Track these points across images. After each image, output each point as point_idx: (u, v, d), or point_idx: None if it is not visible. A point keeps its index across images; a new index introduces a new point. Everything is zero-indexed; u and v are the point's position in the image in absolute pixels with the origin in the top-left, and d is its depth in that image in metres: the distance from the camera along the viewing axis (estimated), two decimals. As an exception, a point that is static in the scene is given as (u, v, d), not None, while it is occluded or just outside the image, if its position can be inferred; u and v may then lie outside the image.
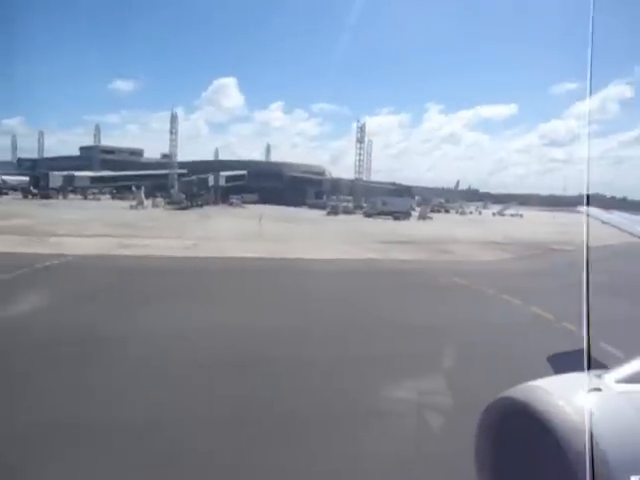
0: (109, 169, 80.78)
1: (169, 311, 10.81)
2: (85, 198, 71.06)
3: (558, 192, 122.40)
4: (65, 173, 70.45)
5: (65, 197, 69.71)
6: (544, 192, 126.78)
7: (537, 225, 54.35)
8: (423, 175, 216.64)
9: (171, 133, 77.57)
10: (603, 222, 6.62)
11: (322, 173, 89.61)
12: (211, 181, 67.84)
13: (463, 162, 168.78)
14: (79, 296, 12.00)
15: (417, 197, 75.03)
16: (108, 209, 49.26)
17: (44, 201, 60.57)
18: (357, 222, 48.22)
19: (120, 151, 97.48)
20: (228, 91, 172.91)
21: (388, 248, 26.55)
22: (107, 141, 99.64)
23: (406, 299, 13.57)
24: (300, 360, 7.89)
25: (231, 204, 67.73)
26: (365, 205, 67.27)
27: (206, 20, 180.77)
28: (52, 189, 68.38)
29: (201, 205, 61.16)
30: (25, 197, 64.12)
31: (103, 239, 23.99)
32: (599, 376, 1.72)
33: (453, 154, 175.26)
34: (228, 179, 72.44)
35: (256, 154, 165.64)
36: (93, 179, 73.82)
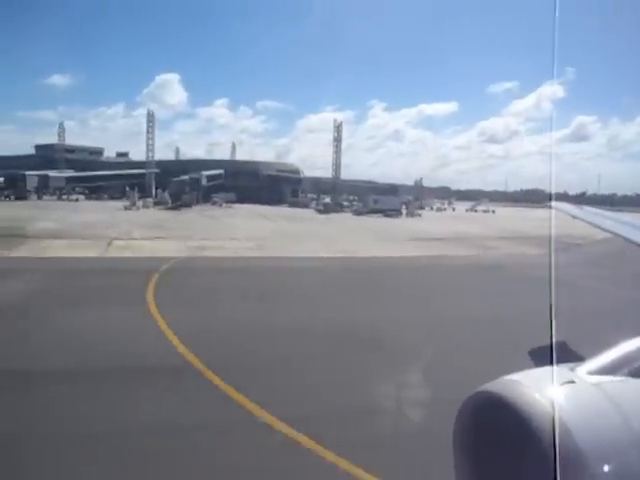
0: (69, 169, 77.92)
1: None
2: (59, 199, 68.94)
3: (500, 188, 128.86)
4: (39, 173, 67.97)
5: (40, 198, 67.35)
6: (487, 188, 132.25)
7: (517, 220, 57.45)
8: (368, 171, 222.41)
9: (148, 132, 76.30)
10: (574, 217, 6.64)
11: (297, 172, 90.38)
12: (203, 181, 67.34)
13: (407, 158, 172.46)
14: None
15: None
16: (104, 210, 48.22)
17: (20, 202, 58.56)
18: (358, 220, 49.70)
19: (80, 150, 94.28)
20: (171, 87, 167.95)
21: (427, 245, 28.19)
22: (42, 139, 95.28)
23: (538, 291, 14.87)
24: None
25: (214, 203, 67.45)
26: (347, 203, 68.81)
27: (147, 15, 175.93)
28: (27, 190, 65.94)
29: (189, 205, 60.73)
30: (-1, 199, 61.51)
31: (166, 242, 24.31)
32: (572, 369, 1.76)
33: (397, 150, 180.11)
34: (208, 179, 72.02)
35: (200, 152, 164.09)
36: (68, 179, 71.48)
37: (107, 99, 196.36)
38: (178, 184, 61.69)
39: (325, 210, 58.85)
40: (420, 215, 59.47)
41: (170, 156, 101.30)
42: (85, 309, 10.79)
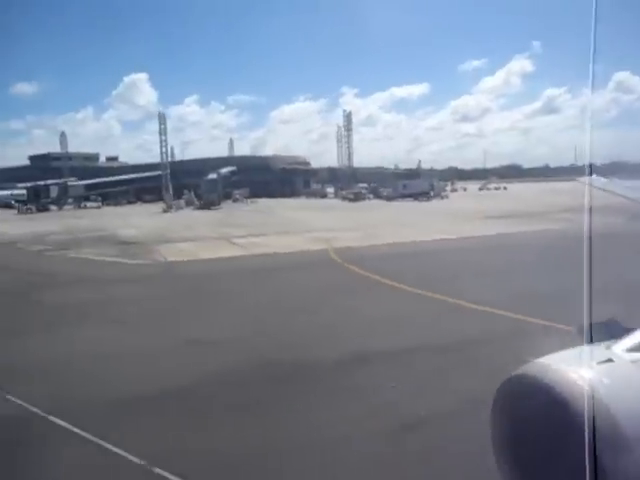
0: (71, 177, 76.82)
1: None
2: (79, 207, 68.49)
3: (478, 165, 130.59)
4: (58, 182, 67.42)
5: (61, 208, 66.85)
6: (465, 166, 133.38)
7: (544, 194, 58.87)
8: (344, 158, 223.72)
9: (160, 134, 75.63)
10: (605, 191, 6.52)
11: (307, 163, 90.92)
12: (228, 179, 67.41)
13: (381, 143, 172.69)
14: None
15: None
16: (145, 215, 48.28)
17: (46, 214, 58.19)
18: (399, 206, 50.51)
19: (76, 157, 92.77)
20: (140, 88, 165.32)
21: (509, 222, 29.19)
22: (12, 150, 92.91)
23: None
24: None
25: (235, 200, 67.66)
26: (364, 191, 69.57)
27: (111, 15, 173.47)
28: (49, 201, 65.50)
29: (218, 203, 60.92)
30: (21, 212, 60.77)
31: (280, 238, 24.98)
32: (609, 347, 1.70)
33: (371, 136, 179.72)
34: (228, 176, 72.12)
35: (175, 151, 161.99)
36: (86, 187, 70.96)
37: (75, 104, 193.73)
38: (208, 183, 61.59)
39: (355, 198, 59.56)
40: (448, 197, 60.66)
41: (143, 158, 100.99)
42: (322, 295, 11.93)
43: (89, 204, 70.93)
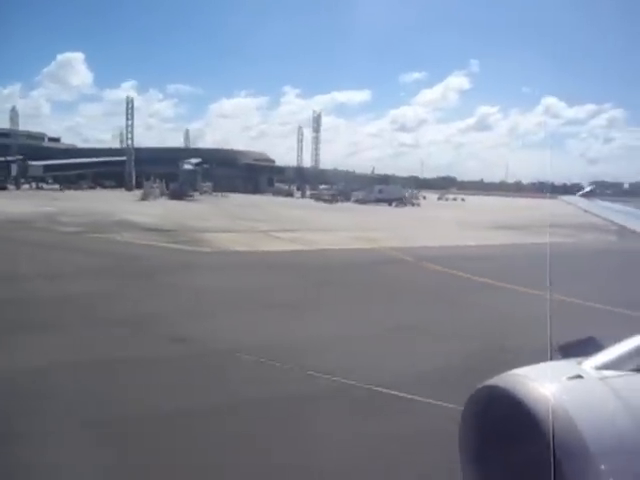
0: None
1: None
2: (38, 188, 65.11)
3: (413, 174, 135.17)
4: (18, 160, 63.65)
5: (18, 188, 63.34)
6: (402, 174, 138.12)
7: (512, 209, 62.36)
8: (283, 157, 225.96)
9: (127, 118, 73.41)
10: (585, 211, 6.51)
11: (272, 161, 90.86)
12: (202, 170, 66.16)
13: (320, 145, 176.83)
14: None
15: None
16: (122, 202, 46.75)
17: (5, 193, 55.04)
18: (380, 210, 51.89)
19: (20, 135, 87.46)
20: (74, 67, 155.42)
21: (512, 233, 31.12)
22: None
23: None
24: None
25: (203, 192, 66.49)
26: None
27: None
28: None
29: (191, 195, 59.88)
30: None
31: (316, 234, 25.40)
32: (579, 363, 1.73)
33: (310, 137, 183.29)
34: (197, 167, 70.88)
35: (106, 136, 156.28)
36: (46, 168, 67.39)
37: (2, 78, 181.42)
38: (186, 174, 60.37)
39: (331, 200, 60.49)
40: (419, 205, 62.93)
41: (75, 141, 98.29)
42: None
43: (46, 186, 67.60)
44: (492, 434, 1.68)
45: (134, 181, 71.60)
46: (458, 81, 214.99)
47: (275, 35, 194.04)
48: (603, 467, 1.41)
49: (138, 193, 58.51)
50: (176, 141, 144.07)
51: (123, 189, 69.93)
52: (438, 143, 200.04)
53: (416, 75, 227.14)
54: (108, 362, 7.10)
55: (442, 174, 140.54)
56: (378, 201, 59.77)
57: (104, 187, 72.56)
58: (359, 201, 61.86)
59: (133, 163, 72.45)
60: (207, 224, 27.80)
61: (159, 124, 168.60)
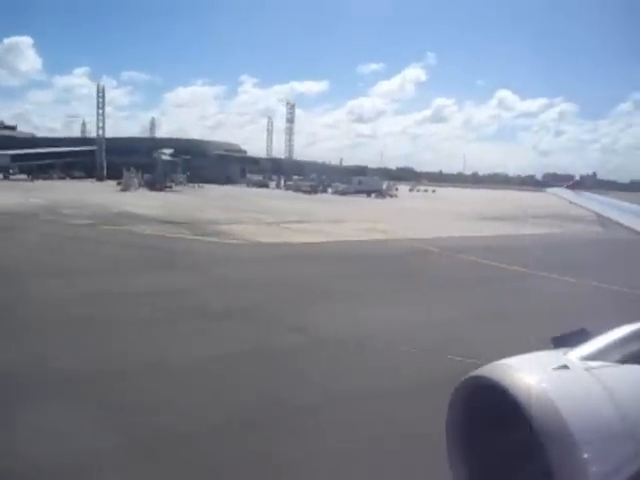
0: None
1: None
2: (5, 179, 62.62)
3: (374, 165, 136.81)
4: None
5: (-15, 178, 60.87)
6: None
7: (490, 200, 64.37)
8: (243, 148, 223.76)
9: (98, 107, 71.41)
10: (571, 202, 6.72)
11: (243, 152, 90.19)
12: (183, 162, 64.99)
13: (278, 135, 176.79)
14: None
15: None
16: (103, 192, 45.77)
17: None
18: (363, 201, 52.63)
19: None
20: (23, 52, 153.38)
21: (508, 224, 32.42)
22: None
23: None
24: None
25: (179, 183, 65.56)
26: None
27: None
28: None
29: (169, 186, 59.05)
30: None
31: (329, 225, 25.85)
32: (565, 353, 1.77)
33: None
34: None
35: (56, 124, 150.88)
36: (13, 157, 64.81)
37: None
38: (166, 164, 59.38)
39: (311, 191, 60.89)
40: (397, 196, 64.14)
41: (24, 129, 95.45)
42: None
43: (12, 177, 65.07)
44: (478, 422, 1.72)
45: (105, 172, 70.04)
46: (415, 73, 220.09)
47: (233, 23, 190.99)
48: (586, 455, 1.45)
49: (112, 184, 57.45)
50: (131, 130, 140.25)
51: (94, 180, 68.35)
52: (395, 134, 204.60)
53: (374, 66, 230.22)
54: (269, 351, 7.56)
55: (400, 165, 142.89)
56: (357, 192, 60.66)
57: (73, 177, 70.57)
58: (338, 192, 62.52)
59: (104, 153, 70.53)
60: (208, 216, 27.80)
61: (113, 112, 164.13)
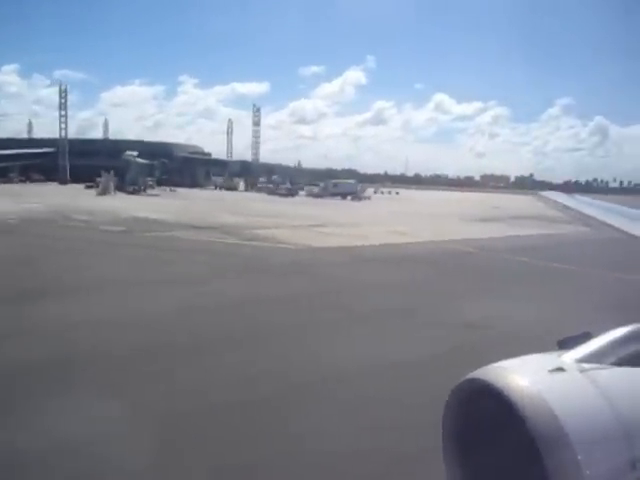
0: None
1: None
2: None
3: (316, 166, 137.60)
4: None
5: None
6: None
7: (462, 201, 66.74)
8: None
9: (60, 108, 68.66)
10: (565, 207, 6.51)
11: (208, 154, 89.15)
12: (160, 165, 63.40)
13: (219, 136, 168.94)
14: None
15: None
16: (90, 196, 44.33)
17: None
18: (350, 204, 53.33)
19: None
20: None
21: (501, 225, 34.08)
22: None
23: None
24: None
25: (149, 187, 64.20)
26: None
27: None
28: None
29: (144, 189, 57.77)
30: None
31: (352, 229, 26.43)
32: (561, 356, 1.77)
33: (209, 129, 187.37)
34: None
35: None
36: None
37: None
38: (143, 168, 57.94)
39: (288, 194, 61.23)
40: (370, 198, 65.42)
41: None
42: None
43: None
44: (474, 425, 1.73)
45: (68, 174, 67.61)
46: (355, 75, 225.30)
47: (172, 23, 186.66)
48: (581, 457, 1.44)
49: (79, 187, 55.68)
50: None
51: (56, 183, 65.78)
52: (336, 136, 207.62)
53: (315, 69, 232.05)
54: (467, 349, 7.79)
55: (344, 167, 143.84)
56: (333, 195, 61.49)
57: (32, 181, 67.58)
58: (314, 195, 63.14)
59: (67, 155, 68.02)
60: (225, 220, 27.23)
61: (47, 112, 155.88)
